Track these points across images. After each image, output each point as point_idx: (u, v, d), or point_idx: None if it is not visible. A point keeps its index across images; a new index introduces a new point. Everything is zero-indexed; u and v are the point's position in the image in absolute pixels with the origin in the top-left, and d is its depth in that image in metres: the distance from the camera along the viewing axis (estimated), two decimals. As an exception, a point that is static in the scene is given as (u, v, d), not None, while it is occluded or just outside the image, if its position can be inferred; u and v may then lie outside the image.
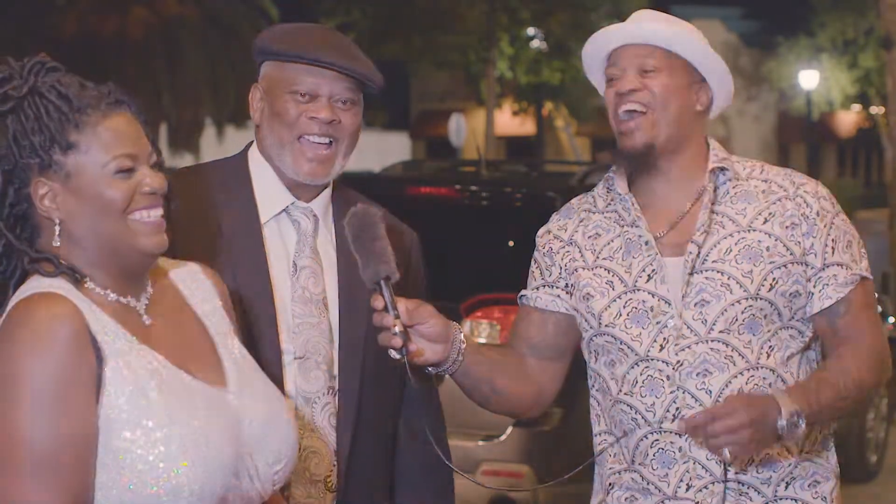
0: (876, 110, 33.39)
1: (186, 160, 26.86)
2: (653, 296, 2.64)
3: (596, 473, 2.81)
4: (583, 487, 3.27)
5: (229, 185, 2.68)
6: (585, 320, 2.72)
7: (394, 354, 2.37)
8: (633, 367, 2.64)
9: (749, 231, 2.65)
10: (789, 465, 2.64)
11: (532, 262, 2.84)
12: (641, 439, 2.64)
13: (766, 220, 2.66)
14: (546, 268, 2.80)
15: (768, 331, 2.62)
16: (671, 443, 2.61)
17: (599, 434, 2.77)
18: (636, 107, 2.66)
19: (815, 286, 2.65)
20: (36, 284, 2.02)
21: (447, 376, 2.57)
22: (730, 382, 2.58)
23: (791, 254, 2.64)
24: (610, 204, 2.77)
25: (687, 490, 2.61)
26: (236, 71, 26.91)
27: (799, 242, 2.65)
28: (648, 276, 2.65)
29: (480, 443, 5.63)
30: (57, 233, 2.04)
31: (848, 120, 40.86)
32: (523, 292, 2.83)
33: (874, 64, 31.35)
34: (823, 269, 2.65)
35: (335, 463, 2.61)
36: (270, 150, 2.67)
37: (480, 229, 6.31)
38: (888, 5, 13.04)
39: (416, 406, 2.75)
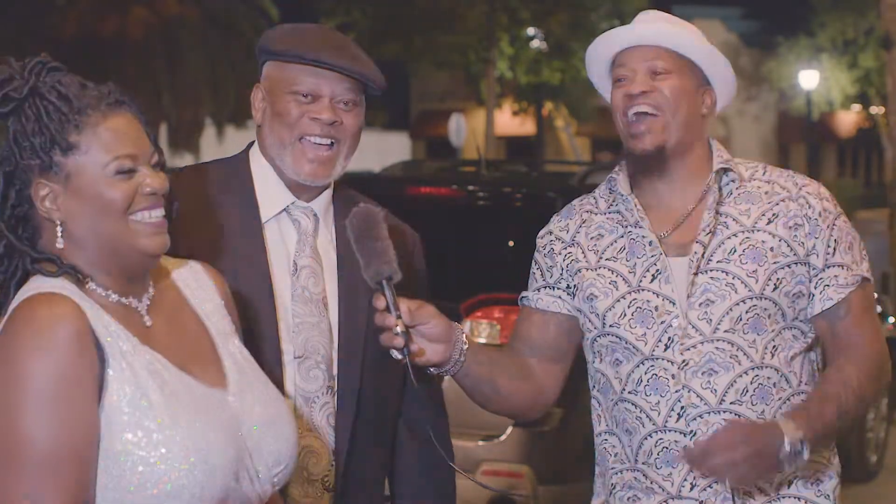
0: (876, 110, 33.42)
1: (186, 160, 26.82)
2: (657, 295, 2.63)
3: (597, 473, 2.81)
4: (583, 487, 3.27)
5: (230, 184, 2.68)
6: (589, 321, 2.72)
7: (395, 355, 2.37)
8: (637, 366, 2.64)
9: (753, 231, 2.65)
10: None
11: (533, 264, 2.84)
12: (645, 438, 2.64)
13: (769, 221, 2.66)
14: (547, 269, 2.79)
15: (772, 330, 2.62)
16: (675, 442, 2.60)
17: (601, 434, 2.77)
18: (647, 109, 2.65)
19: (815, 287, 2.65)
20: (38, 285, 2.01)
21: (447, 377, 2.57)
22: (735, 381, 2.58)
23: (794, 254, 2.64)
24: (612, 205, 2.77)
25: (691, 489, 2.61)
26: (236, 71, 26.90)
27: (802, 243, 2.65)
28: (653, 275, 2.65)
29: (480, 443, 5.62)
30: (59, 234, 2.04)
31: (848, 120, 40.86)
32: (524, 294, 2.83)
33: (874, 64, 31.39)
34: (825, 269, 2.65)
35: (333, 462, 2.61)
36: (271, 151, 2.66)
37: (480, 229, 6.29)
38: (888, 5, 13.03)
39: (417, 406, 2.75)
